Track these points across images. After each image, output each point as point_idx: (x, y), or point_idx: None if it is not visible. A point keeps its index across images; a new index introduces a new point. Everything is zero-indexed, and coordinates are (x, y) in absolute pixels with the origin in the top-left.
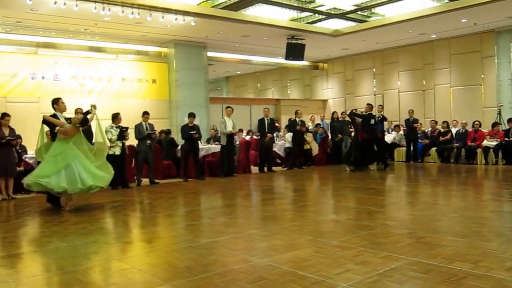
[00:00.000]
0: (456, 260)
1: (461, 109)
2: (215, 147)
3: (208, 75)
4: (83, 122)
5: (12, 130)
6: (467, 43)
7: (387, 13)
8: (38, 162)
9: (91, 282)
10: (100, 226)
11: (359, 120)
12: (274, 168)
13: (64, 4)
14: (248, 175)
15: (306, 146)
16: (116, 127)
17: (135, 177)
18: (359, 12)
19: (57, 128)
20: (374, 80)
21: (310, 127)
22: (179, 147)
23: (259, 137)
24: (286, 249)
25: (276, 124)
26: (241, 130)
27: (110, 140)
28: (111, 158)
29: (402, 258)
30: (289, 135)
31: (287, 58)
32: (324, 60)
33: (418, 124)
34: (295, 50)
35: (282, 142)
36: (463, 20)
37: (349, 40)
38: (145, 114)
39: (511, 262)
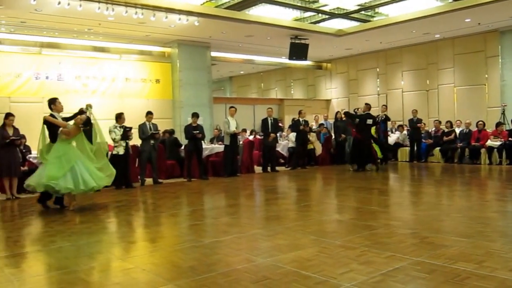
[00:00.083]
0: (460, 260)
1: (465, 109)
2: (219, 147)
3: (211, 75)
4: (86, 123)
5: (16, 130)
6: (471, 43)
7: (391, 12)
8: (40, 163)
9: (95, 282)
10: (104, 225)
11: (357, 120)
12: (277, 168)
13: (68, 4)
14: (252, 175)
15: (310, 146)
16: (119, 127)
17: (139, 177)
18: (362, 12)
19: (61, 129)
20: (378, 80)
21: (314, 127)
22: (183, 147)
23: (262, 137)
24: (289, 249)
25: (280, 124)
26: (244, 130)
27: (114, 140)
28: (114, 158)
29: (405, 258)
30: (292, 135)
31: (290, 58)
32: (327, 60)
33: (422, 124)
34: (298, 50)
35: (286, 142)
36: (467, 20)
37: (353, 40)
38: (149, 114)
39: None
